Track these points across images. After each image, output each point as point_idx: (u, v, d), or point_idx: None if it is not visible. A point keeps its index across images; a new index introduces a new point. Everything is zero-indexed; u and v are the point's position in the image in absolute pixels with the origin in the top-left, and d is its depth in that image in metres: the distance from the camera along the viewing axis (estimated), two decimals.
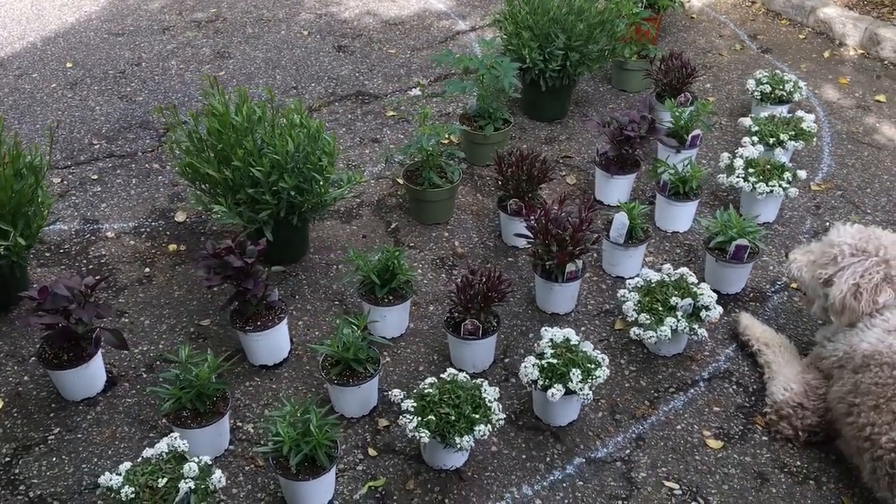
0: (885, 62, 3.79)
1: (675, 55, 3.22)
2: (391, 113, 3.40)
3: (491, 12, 4.18)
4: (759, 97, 3.24)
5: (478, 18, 4.22)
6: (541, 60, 3.14)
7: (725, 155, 2.81)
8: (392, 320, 2.31)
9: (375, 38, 4.02)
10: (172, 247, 2.69)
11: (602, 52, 3.23)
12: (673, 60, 3.21)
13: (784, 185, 2.67)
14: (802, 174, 2.73)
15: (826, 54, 3.89)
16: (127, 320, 2.39)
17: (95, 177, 3.03)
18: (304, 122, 2.42)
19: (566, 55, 3.14)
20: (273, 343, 2.22)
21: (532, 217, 2.38)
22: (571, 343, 2.06)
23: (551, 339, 2.07)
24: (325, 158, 2.42)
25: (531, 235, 2.37)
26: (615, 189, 2.87)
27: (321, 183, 2.39)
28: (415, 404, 1.88)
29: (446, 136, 2.89)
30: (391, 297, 2.28)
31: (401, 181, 2.88)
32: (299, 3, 4.36)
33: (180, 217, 2.82)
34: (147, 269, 2.59)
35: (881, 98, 3.53)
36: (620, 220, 2.49)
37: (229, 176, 2.34)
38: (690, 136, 2.95)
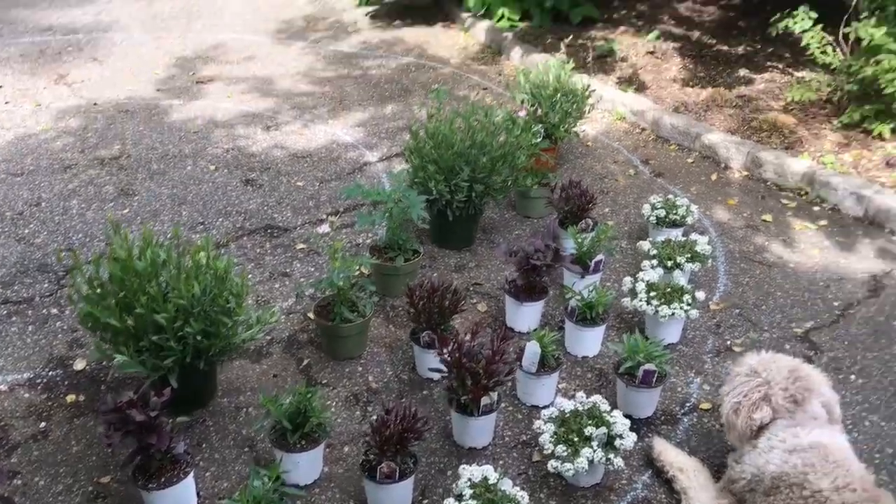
0: (768, 183, 4.06)
1: (573, 183, 3.37)
2: (301, 246, 3.41)
3: (398, 143, 4.32)
4: (654, 221, 3.40)
5: (385, 149, 4.33)
6: (447, 192, 3.23)
7: (628, 279, 2.91)
8: (305, 465, 2.23)
9: (284, 171, 4.06)
10: (71, 397, 2.56)
11: (505, 182, 3.35)
12: (572, 189, 3.35)
13: (685, 307, 2.77)
14: (701, 295, 2.85)
15: (714, 177, 4.14)
16: (20, 482, 2.24)
17: None
18: (210, 262, 2.39)
19: (471, 187, 3.24)
20: (178, 500, 2.10)
21: (445, 350, 2.38)
22: (490, 482, 2.03)
23: (469, 479, 2.04)
24: (233, 300, 2.38)
25: (445, 370, 2.37)
26: (525, 316, 2.92)
27: (229, 325, 2.35)
28: None
29: (357, 268, 2.90)
30: (304, 442, 2.22)
31: (312, 316, 2.85)
32: (206, 138, 4.39)
33: (80, 365, 2.70)
34: (43, 424, 2.45)
35: (767, 217, 3.75)
36: (532, 350, 2.51)
37: (132, 324, 2.27)
38: (594, 261, 3.05)
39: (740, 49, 5.62)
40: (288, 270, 3.24)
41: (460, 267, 3.33)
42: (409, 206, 3.00)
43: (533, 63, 5.30)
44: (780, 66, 5.29)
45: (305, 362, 2.74)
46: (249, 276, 3.18)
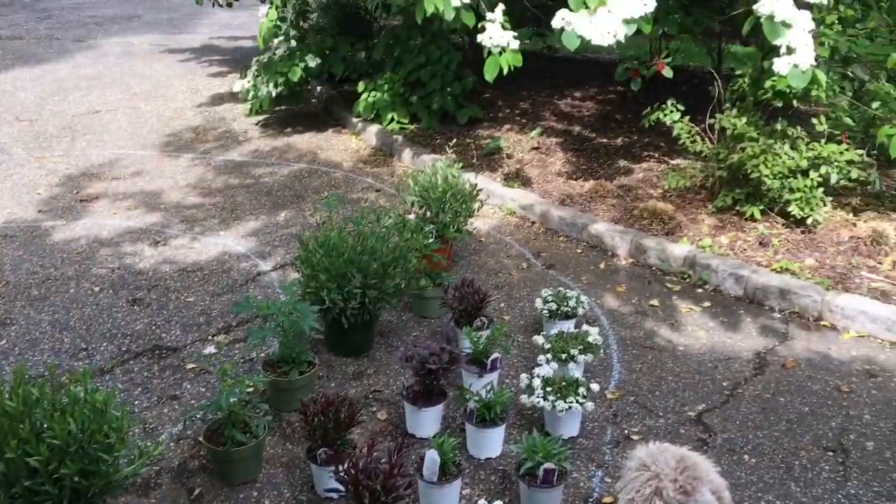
0: (653, 268, 4.22)
1: (466, 282, 3.41)
2: (191, 365, 3.29)
3: (292, 250, 4.29)
4: (547, 315, 3.46)
5: (279, 257, 4.29)
6: (340, 300, 3.21)
7: (524, 376, 2.93)
8: None
9: (173, 288, 3.95)
10: None
11: (398, 286, 3.35)
12: (465, 287, 3.38)
13: (581, 399, 2.80)
14: (595, 387, 2.89)
15: (602, 265, 4.27)
16: None
17: None
18: (88, 396, 2.27)
19: (364, 293, 3.23)
20: None
21: (341, 468, 2.32)
22: None
23: None
24: (113, 434, 2.26)
25: (342, 489, 2.30)
26: (425, 421, 2.89)
27: (110, 462, 2.22)
28: None
29: (249, 386, 2.82)
30: None
31: (202, 441, 2.73)
32: (90, 258, 4.25)
33: None
34: None
35: (655, 302, 3.88)
36: (431, 458, 2.47)
37: (2, 470, 2.12)
38: (490, 359, 3.06)
39: (619, 141, 5.92)
40: (177, 393, 3.12)
41: (359, 374, 3.28)
42: (301, 318, 2.96)
43: (423, 163, 5.42)
44: (657, 154, 5.59)
45: (197, 492, 2.61)
46: (136, 402, 3.04)
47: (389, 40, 6.41)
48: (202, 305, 3.79)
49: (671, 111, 4.88)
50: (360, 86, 6.35)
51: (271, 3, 5.34)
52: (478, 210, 4.17)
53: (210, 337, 3.50)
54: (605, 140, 5.95)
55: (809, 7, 3.97)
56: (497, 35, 4.08)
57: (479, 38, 4.11)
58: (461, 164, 4.28)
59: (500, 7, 4.17)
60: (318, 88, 7.35)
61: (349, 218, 3.48)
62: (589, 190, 5.01)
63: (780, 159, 4.28)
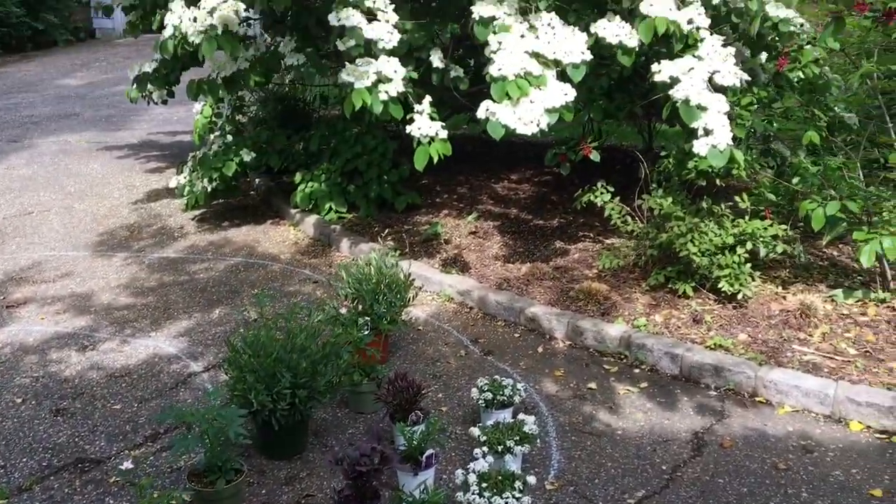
0: (590, 350, 4.22)
1: (399, 376, 3.35)
2: (115, 479, 3.15)
3: (226, 349, 4.19)
4: (483, 405, 3.42)
5: (211, 357, 4.19)
6: (269, 401, 3.12)
7: (459, 472, 2.86)
8: None
9: (99, 395, 3.82)
10: None
11: (330, 383, 3.29)
12: (399, 381, 3.33)
13: (517, 494, 2.74)
14: (532, 479, 2.83)
15: (540, 349, 4.26)
16: None
17: None
18: None
19: (294, 393, 3.16)
20: None
21: None
22: None
23: None
24: None
25: None
26: None
27: None
28: None
29: (171, 500, 2.69)
30: None
31: None
32: (14, 367, 4.10)
33: None
34: None
35: (593, 385, 3.86)
36: None
37: None
38: (425, 456, 2.99)
39: (555, 222, 6.00)
40: None
41: (291, 479, 3.17)
42: (226, 425, 2.86)
43: (361, 252, 5.42)
44: (592, 234, 5.67)
45: None
46: None
47: (325, 131, 6.47)
48: (129, 413, 3.66)
49: (601, 192, 4.98)
50: (298, 177, 6.37)
51: (205, 99, 5.38)
52: (413, 299, 4.15)
53: (131, 449, 3.36)
54: (541, 222, 6.03)
55: (724, 90, 4.14)
56: (425, 125, 4.15)
57: (409, 128, 4.18)
58: (399, 252, 4.28)
59: (427, 99, 4.26)
60: (257, 181, 7.36)
61: (281, 314, 3.42)
62: (526, 273, 5.04)
63: (707, 237, 4.37)
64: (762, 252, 4.40)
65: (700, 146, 3.99)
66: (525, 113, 4.02)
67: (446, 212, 6.30)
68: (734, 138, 4.14)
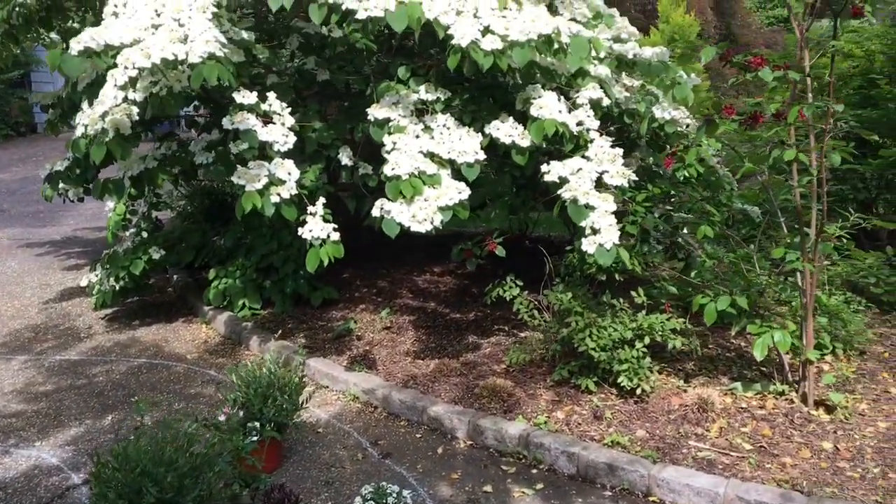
0: (490, 450, 4.14)
1: (276, 487, 3.24)
2: None
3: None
4: None
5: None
6: None
7: None
8: None
9: None
10: None
11: (200, 497, 3.15)
12: (275, 493, 3.21)
13: None
14: None
15: (440, 450, 4.17)
16: None
17: None
18: None
19: None
20: None
21: None
22: None
23: None
24: None
25: None
26: None
27: None
28: None
29: None
30: None
31: None
32: None
33: None
34: None
35: (488, 488, 3.77)
36: None
37: None
38: None
39: (472, 315, 5.99)
40: None
41: None
42: None
43: (269, 350, 5.32)
44: (507, 328, 5.66)
45: None
46: None
47: (242, 227, 6.44)
48: None
49: (510, 287, 5.00)
50: (212, 273, 6.29)
51: (118, 197, 5.33)
52: (306, 402, 4.06)
53: None
54: (458, 315, 6.01)
55: (611, 190, 4.23)
56: (317, 228, 4.15)
57: (300, 231, 4.17)
58: (306, 350, 4.20)
59: (321, 200, 4.27)
60: (175, 277, 7.25)
61: (150, 425, 3.30)
62: (434, 369, 4.98)
63: (606, 332, 4.38)
64: (670, 345, 4.42)
65: (588, 244, 4.05)
66: (419, 211, 4.05)
67: (364, 306, 6.25)
68: (627, 235, 4.22)
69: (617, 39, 5.04)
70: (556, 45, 4.25)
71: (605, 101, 4.53)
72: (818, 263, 3.94)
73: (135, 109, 4.08)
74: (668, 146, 4.66)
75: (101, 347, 5.73)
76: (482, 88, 4.78)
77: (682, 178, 4.47)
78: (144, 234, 6.43)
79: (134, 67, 3.54)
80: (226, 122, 4.15)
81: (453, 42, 4.01)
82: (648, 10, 10.55)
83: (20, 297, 6.94)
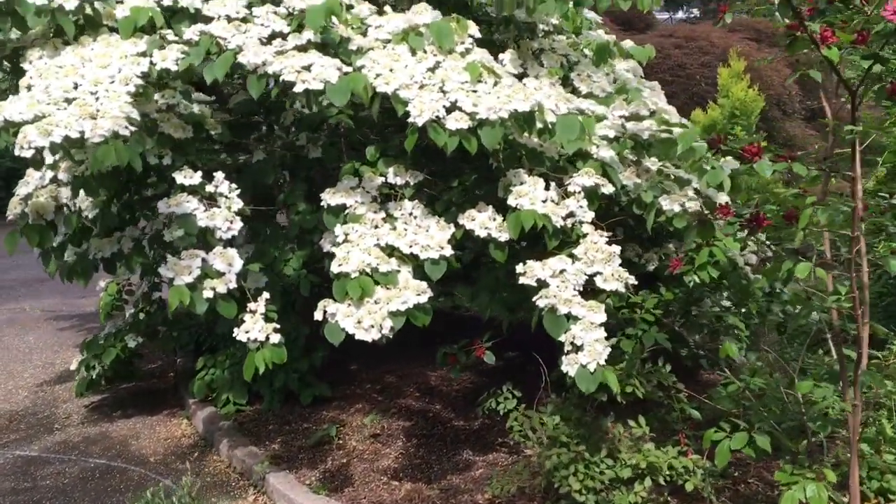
0: None
1: None
2: None
3: None
4: None
5: None
6: None
7: None
8: None
9: None
10: None
11: None
12: None
13: None
14: None
15: None
16: None
17: None
18: None
19: None
20: None
21: None
22: None
23: None
24: None
25: None
26: None
27: None
28: None
29: None
30: None
31: None
32: None
33: None
34: None
35: None
36: None
37: None
38: None
39: (477, 423, 5.25)
40: None
41: None
42: None
43: (237, 458, 4.75)
44: (510, 442, 4.87)
45: None
46: None
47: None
48: None
49: (506, 398, 4.30)
50: (200, 362, 5.80)
51: (84, 281, 4.95)
52: None
53: None
54: (461, 423, 5.28)
55: (604, 295, 3.50)
56: (255, 328, 3.57)
57: (236, 332, 3.61)
58: (268, 463, 3.61)
59: (265, 296, 3.71)
60: (178, 360, 6.81)
61: None
62: (404, 496, 4.26)
63: (597, 468, 3.59)
64: (688, 487, 3.59)
65: (568, 364, 3.31)
66: (366, 316, 3.42)
67: (360, 406, 5.61)
68: (620, 354, 3.47)
69: (635, 117, 4.35)
70: (539, 125, 3.61)
71: (607, 189, 3.83)
72: (858, 402, 3.06)
73: (63, 192, 3.65)
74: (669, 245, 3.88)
75: (67, 443, 5.28)
76: (464, 173, 4.17)
77: (691, 283, 3.70)
78: (141, 316, 6.02)
79: (30, 147, 3.10)
80: (161, 206, 3.67)
81: (409, 120, 3.43)
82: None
83: (18, 377, 6.64)
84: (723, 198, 4.58)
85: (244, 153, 5.30)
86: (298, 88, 3.34)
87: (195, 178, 3.74)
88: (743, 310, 3.90)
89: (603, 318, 3.38)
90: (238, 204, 3.78)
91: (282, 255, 4.91)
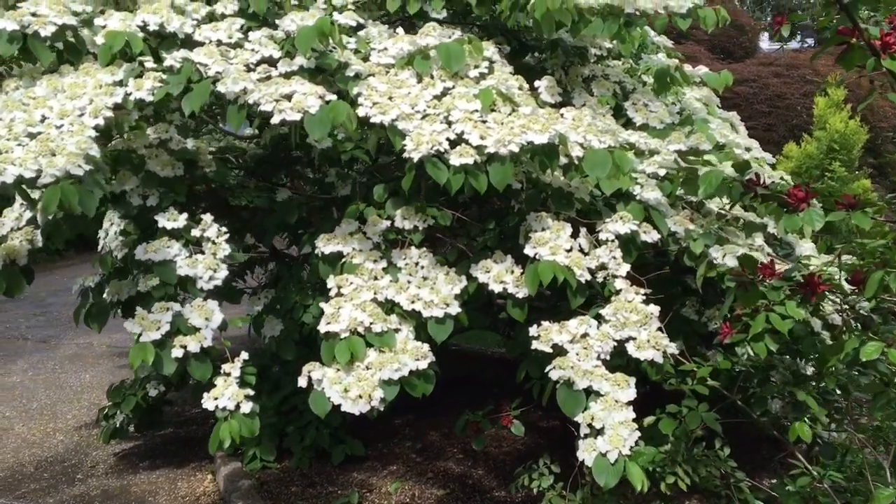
0: None
1: None
2: None
3: None
4: None
5: None
6: None
7: None
8: None
9: None
10: None
11: None
12: None
13: None
14: None
15: None
16: None
17: None
18: None
19: None
20: None
21: None
22: None
23: None
24: None
25: None
26: None
27: None
28: None
29: None
30: None
31: None
32: None
33: None
34: None
35: None
36: None
37: None
38: None
39: (519, 496, 4.64)
40: None
41: None
42: None
43: None
44: None
45: None
46: None
47: (268, 360, 5.58)
48: None
49: (541, 474, 3.72)
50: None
51: (98, 326, 4.71)
52: None
53: None
54: (502, 493, 4.70)
55: (634, 365, 2.89)
56: (226, 395, 3.13)
57: (204, 399, 3.19)
58: None
59: (243, 356, 3.28)
60: None
61: None
62: None
63: None
64: None
65: (584, 450, 2.71)
66: (354, 385, 2.93)
67: (394, 467, 5.11)
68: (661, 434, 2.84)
69: (693, 152, 3.72)
70: (563, 160, 3.06)
71: (650, 236, 3.22)
72: None
73: (38, 234, 3.35)
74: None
75: (84, 496, 5.00)
76: (486, 216, 3.65)
77: (744, 357, 3.02)
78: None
79: None
80: (139, 252, 3.32)
81: (404, 155, 2.94)
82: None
83: (60, 419, 6.49)
84: (806, 247, 3.88)
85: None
86: (275, 119, 2.92)
87: (180, 220, 3.37)
88: (822, 383, 3.17)
89: (631, 394, 2.77)
90: (225, 250, 3.38)
91: (302, 300, 4.50)
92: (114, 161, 3.48)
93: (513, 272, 3.17)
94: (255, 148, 5.20)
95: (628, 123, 4.16)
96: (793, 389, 3.05)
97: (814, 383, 3.20)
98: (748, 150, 4.59)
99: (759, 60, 11.47)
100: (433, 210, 3.48)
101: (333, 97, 2.95)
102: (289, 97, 2.94)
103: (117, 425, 5.31)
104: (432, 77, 3.15)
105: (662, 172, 3.53)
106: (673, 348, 2.93)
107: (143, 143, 3.48)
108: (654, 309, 2.98)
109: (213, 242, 3.39)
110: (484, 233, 3.79)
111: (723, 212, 3.47)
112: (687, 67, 5.03)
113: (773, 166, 5.02)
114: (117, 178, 3.47)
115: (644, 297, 3.03)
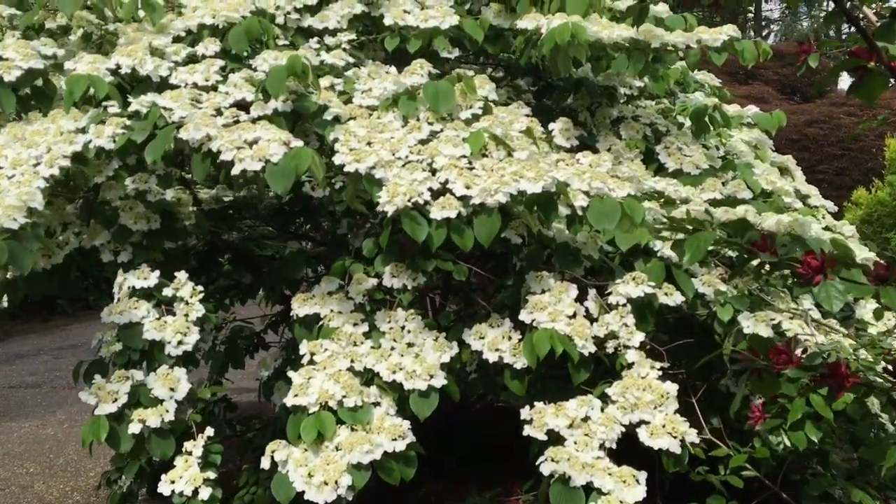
0: None
1: None
2: None
3: None
4: None
5: None
6: None
7: None
8: None
9: None
10: None
11: None
12: None
13: None
14: None
15: None
16: None
17: None
18: None
19: None
20: None
21: None
22: None
23: None
24: None
25: None
26: None
27: None
28: None
29: None
30: None
31: None
32: None
33: None
34: None
35: None
36: None
37: None
38: None
39: None
40: None
41: None
42: None
43: None
44: None
45: None
46: None
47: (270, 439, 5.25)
48: None
49: None
50: (242, 477, 5.09)
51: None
52: None
53: None
54: None
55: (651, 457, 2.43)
56: (184, 478, 2.79)
57: (161, 482, 2.85)
58: None
59: (207, 433, 2.94)
60: (244, 467, 6.17)
61: None
62: None
63: None
64: None
65: None
66: (319, 469, 2.55)
67: None
68: None
69: (729, 201, 3.27)
70: (565, 210, 2.65)
71: (672, 300, 2.77)
72: None
73: None
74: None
75: None
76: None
77: (780, 447, 2.51)
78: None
79: None
80: (104, 315, 3.04)
81: (378, 209, 2.59)
82: None
83: (81, 476, 6.29)
84: (869, 308, 3.36)
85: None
86: (235, 170, 2.61)
87: (151, 278, 3.08)
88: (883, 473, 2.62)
89: (640, 494, 2.30)
90: (199, 311, 3.07)
91: None
92: (87, 213, 3.24)
93: (510, 338, 2.75)
94: (270, 198, 4.95)
95: (661, 169, 3.73)
96: (846, 485, 2.52)
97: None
98: (806, 197, 4.09)
99: (830, 100, 10.79)
100: (447, 264, 3.11)
101: (300, 143, 2.63)
102: (252, 144, 2.64)
103: (124, 490, 5.02)
104: (419, 119, 2.81)
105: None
106: (693, 436, 2.44)
107: (118, 195, 3.23)
108: (672, 387, 2.51)
109: (187, 303, 3.09)
110: (500, 290, 3.40)
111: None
112: (734, 107, 4.57)
113: (838, 215, 4.49)
114: (88, 233, 3.22)
115: (660, 373, 2.56)
